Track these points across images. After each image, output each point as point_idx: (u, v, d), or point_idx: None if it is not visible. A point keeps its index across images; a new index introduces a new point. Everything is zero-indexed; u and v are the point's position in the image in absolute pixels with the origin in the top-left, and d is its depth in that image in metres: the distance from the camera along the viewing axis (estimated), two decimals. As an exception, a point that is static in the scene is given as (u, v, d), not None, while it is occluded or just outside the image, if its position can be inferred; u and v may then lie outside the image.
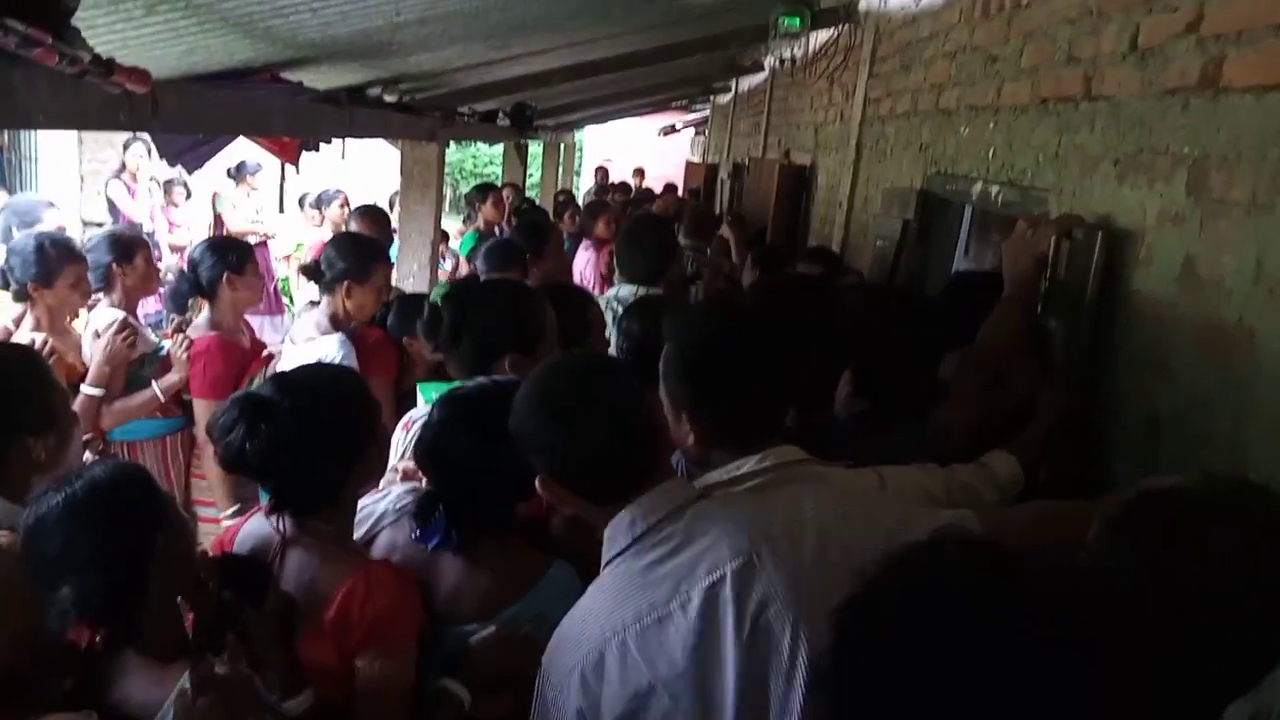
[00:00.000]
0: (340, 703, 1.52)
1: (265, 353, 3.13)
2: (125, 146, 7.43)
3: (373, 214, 4.77)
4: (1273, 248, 1.47)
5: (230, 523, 2.51)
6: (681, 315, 1.62)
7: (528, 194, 9.85)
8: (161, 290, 3.67)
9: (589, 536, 1.59)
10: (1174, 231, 1.74)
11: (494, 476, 1.59)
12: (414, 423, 2.07)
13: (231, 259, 3.07)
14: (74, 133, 9.07)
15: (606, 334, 2.75)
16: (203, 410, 2.91)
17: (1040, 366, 2.08)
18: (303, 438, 1.55)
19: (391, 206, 6.66)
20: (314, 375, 1.72)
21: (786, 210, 5.59)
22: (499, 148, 13.61)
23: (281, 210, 10.95)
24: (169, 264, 6.86)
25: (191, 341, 2.97)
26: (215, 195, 7.66)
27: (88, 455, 2.37)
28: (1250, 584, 0.94)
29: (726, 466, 1.47)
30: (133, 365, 2.95)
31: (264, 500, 1.73)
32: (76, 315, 3.06)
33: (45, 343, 2.71)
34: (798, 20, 4.61)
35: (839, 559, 1.19)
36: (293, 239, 7.64)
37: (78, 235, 4.95)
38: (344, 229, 5.32)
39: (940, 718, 0.79)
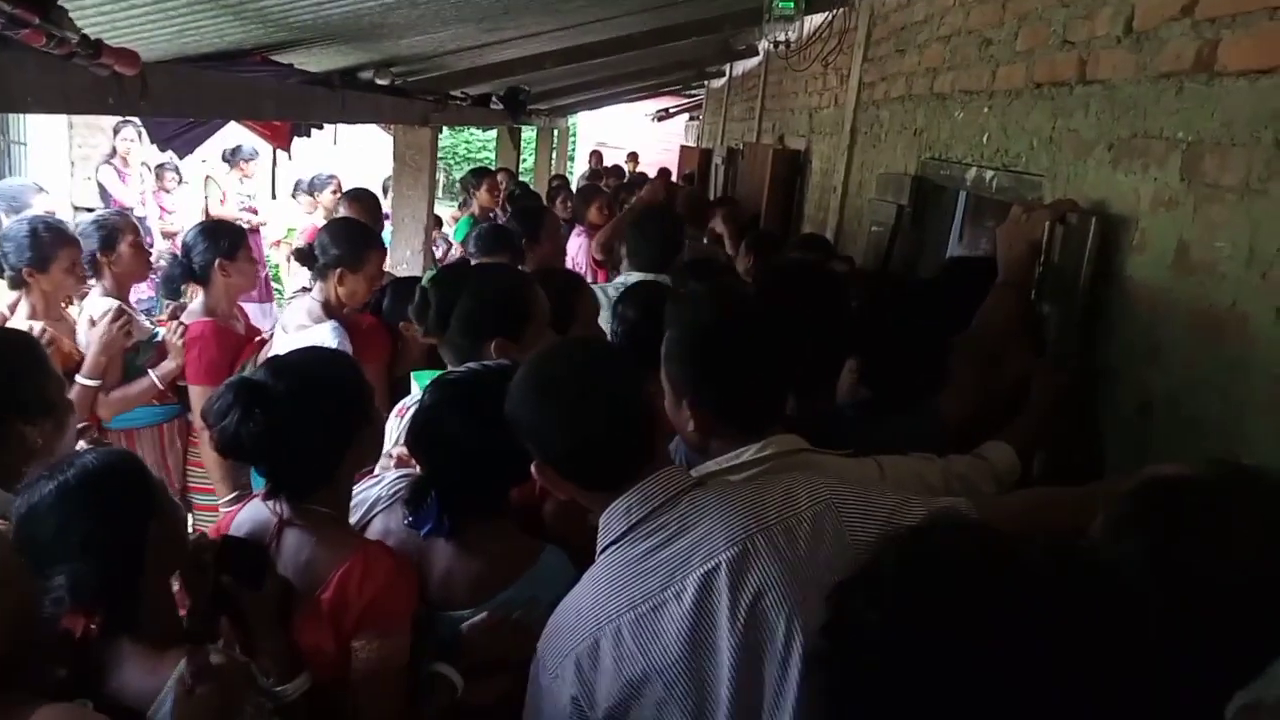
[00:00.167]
0: (336, 686, 1.52)
1: (258, 339, 3.11)
2: (115, 131, 7.38)
3: (363, 198, 4.73)
4: (1266, 232, 1.47)
5: (228, 509, 2.51)
6: (684, 301, 1.62)
7: (521, 179, 9.82)
8: (153, 276, 3.65)
9: (581, 522, 1.59)
10: (1168, 216, 1.74)
11: (485, 461, 1.59)
12: (408, 409, 2.07)
13: (224, 245, 3.05)
14: (64, 118, 9.01)
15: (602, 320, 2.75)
16: (198, 397, 2.91)
17: (1035, 351, 2.09)
18: (297, 421, 1.55)
19: (385, 192, 6.64)
20: (308, 359, 1.72)
21: (780, 195, 5.58)
22: (492, 132, 13.55)
23: (274, 196, 10.91)
24: (161, 249, 6.82)
25: (186, 327, 2.96)
26: (206, 179, 7.62)
27: (82, 444, 2.36)
28: (1256, 573, 0.94)
29: (726, 455, 1.47)
30: (128, 353, 2.94)
31: (257, 487, 1.73)
32: (72, 300, 3.05)
33: (44, 331, 2.70)
34: (792, 3, 4.59)
35: (835, 548, 1.19)
36: (284, 225, 7.61)
37: (68, 220, 4.92)
38: (336, 214, 5.30)
39: (934, 697, 0.79)
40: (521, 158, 12.00)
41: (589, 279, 4.50)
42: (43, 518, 1.35)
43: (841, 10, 4.75)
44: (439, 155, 6.25)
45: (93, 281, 3.05)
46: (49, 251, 2.84)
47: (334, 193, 6.75)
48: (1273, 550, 0.95)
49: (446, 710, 1.57)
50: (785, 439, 1.48)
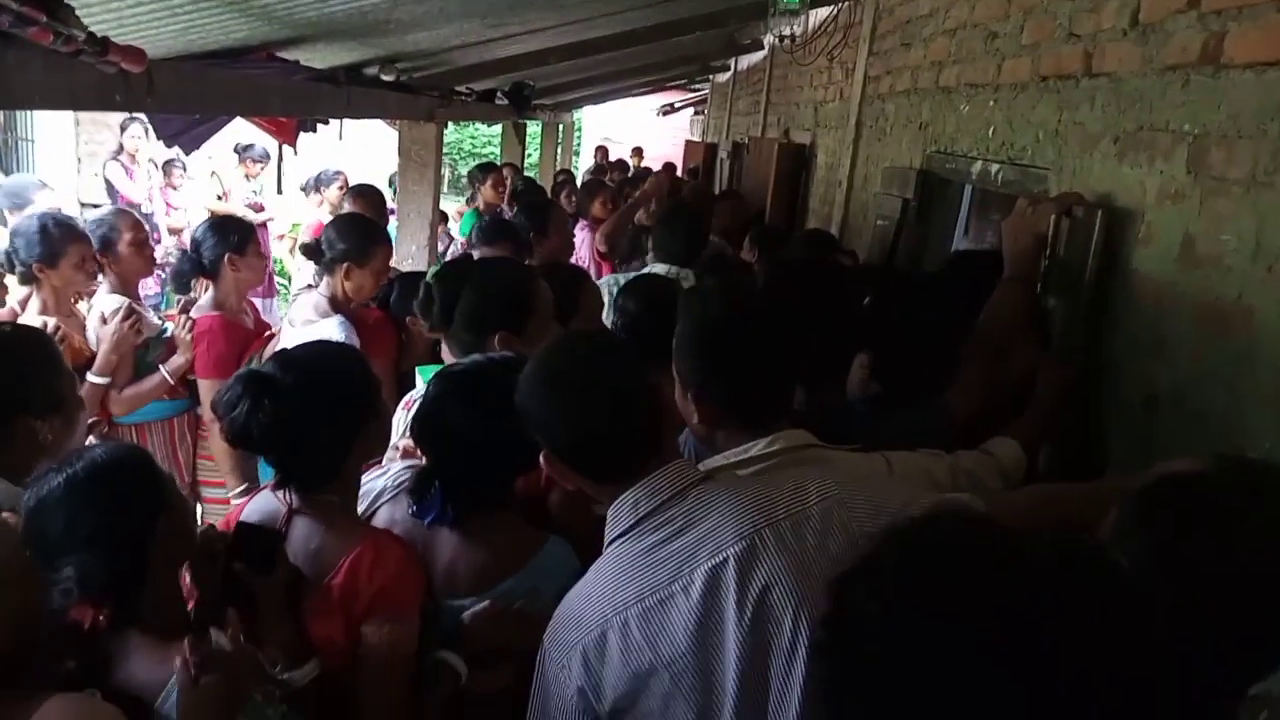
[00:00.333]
0: (344, 673, 1.54)
1: (266, 334, 3.13)
2: (123, 128, 7.39)
3: (367, 194, 4.75)
4: (1272, 225, 1.46)
5: (238, 502, 2.52)
6: (695, 294, 1.63)
7: (526, 174, 9.82)
8: (159, 273, 3.67)
9: (587, 514, 1.59)
10: (1174, 209, 1.73)
11: (489, 451, 1.61)
12: (414, 403, 2.08)
13: (233, 240, 3.07)
14: (71, 114, 9.04)
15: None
16: (207, 390, 2.93)
17: (1041, 345, 2.08)
18: (306, 412, 1.56)
19: (392, 187, 6.65)
20: (316, 352, 1.74)
21: (785, 189, 5.58)
22: (497, 128, 13.55)
23: (280, 192, 10.92)
24: (168, 245, 6.84)
25: (194, 322, 2.98)
26: (212, 174, 7.64)
27: (92, 439, 2.37)
28: (1263, 568, 0.93)
29: (734, 449, 1.48)
30: (138, 350, 2.96)
31: (265, 480, 1.74)
32: (82, 296, 3.06)
33: (57, 328, 2.71)
34: (797, -2, 4.58)
35: (843, 544, 1.19)
36: (289, 219, 7.62)
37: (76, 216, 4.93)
38: (342, 210, 5.31)
39: (934, 690, 0.78)
40: (526, 153, 12.01)
41: (593, 272, 4.52)
42: (52, 511, 1.36)
43: (846, 4, 4.74)
44: (444, 151, 6.26)
45: (101, 278, 3.06)
46: (58, 247, 2.85)
47: (340, 189, 6.76)
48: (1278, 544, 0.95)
49: (450, 698, 1.58)
50: (793, 434, 1.49)
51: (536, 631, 1.39)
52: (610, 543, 1.32)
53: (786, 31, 5.22)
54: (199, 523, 2.54)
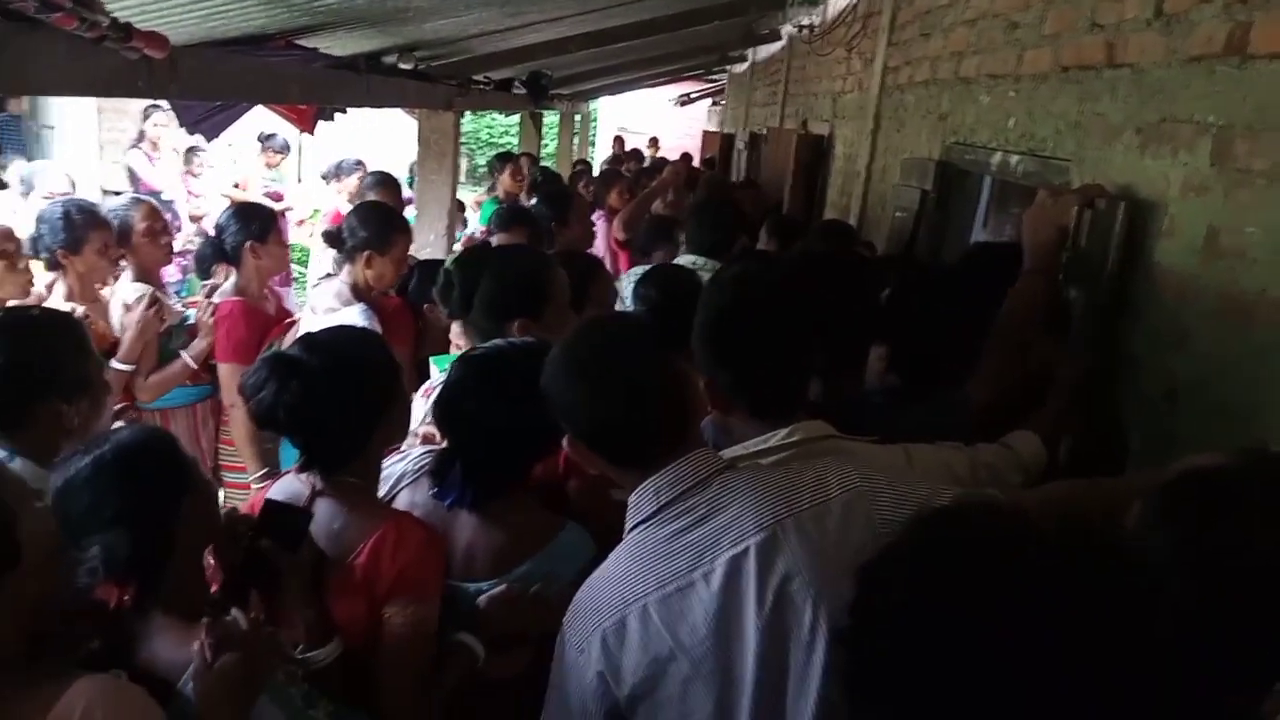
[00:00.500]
0: (366, 652, 1.55)
1: (287, 320, 3.15)
2: (145, 115, 7.44)
3: (385, 183, 4.77)
4: (1297, 217, 1.45)
5: (259, 486, 2.55)
6: (714, 281, 1.64)
7: (543, 164, 9.83)
8: (180, 260, 3.70)
9: (605, 500, 1.60)
10: (1197, 201, 1.72)
11: (508, 435, 1.62)
12: (434, 390, 2.09)
13: (255, 227, 3.10)
14: (93, 101, 9.09)
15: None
16: (228, 375, 2.96)
17: (1061, 338, 2.07)
18: (330, 394, 1.58)
19: (410, 176, 6.67)
20: (339, 337, 1.76)
21: (804, 180, 5.56)
22: (515, 117, 13.55)
23: (300, 180, 10.97)
24: (189, 232, 6.89)
25: (215, 307, 3.01)
26: (235, 162, 7.70)
27: (118, 424, 2.40)
28: None
29: (752, 440, 1.48)
30: (162, 337, 3.00)
31: (286, 465, 1.75)
32: (106, 282, 3.09)
33: (85, 315, 2.75)
34: (816, -12, 4.56)
35: (864, 535, 1.19)
36: (309, 206, 7.65)
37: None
38: (361, 198, 5.33)
39: (957, 677, 0.79)
40: (543, 143, 11.99)
41: (609, 262, 4.53)
42: (78, 492, 1.38)
43: (867, -6, 4.72)
44: (461, 140, 6.27)
45: (124, 264, 3.09)
46: (81, 233, 2.88)
47: (360, 179, 6.79)
48: None
49: (467, 679, 1.59)
50: (812, 425, 1.49)
51: (552, 616, 1.40)
52: (632, 529, 1.32)
53: (805, 21, 5.20)
54: (221, 505, 2.57)
